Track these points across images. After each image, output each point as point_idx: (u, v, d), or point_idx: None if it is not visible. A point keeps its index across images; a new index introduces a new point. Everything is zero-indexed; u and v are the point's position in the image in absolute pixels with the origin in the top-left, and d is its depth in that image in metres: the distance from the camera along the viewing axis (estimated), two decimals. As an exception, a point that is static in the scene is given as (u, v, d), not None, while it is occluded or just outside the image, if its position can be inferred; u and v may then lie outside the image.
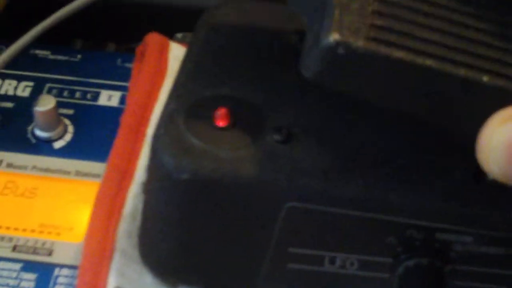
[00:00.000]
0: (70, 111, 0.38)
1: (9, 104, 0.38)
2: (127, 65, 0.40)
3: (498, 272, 0.29)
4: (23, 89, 0.39)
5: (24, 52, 0.37)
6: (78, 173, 0.35)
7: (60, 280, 0.31)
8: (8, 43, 0.36)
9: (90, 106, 0.38)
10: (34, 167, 0.35)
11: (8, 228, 0.33)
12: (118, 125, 0.36)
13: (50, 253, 0.32)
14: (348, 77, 0.24)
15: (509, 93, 0.23)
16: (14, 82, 0.39)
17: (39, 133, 0.36)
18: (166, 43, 0.39)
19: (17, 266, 0.31)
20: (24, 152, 0.36)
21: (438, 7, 0.24)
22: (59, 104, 0.37)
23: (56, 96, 0.38)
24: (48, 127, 0.36)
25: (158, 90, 0.37)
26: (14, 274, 0.31)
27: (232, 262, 0.29)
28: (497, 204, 0.27)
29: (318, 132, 0.28)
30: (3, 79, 0.39)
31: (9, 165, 0.35)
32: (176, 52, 0.38)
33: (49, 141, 0.36)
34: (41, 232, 0.33)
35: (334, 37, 0.23)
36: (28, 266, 0.31)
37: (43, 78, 0.39)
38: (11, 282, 0.31)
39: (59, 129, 0.36)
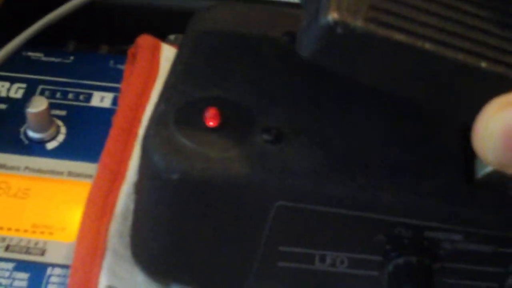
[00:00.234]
0: (62, 112, 0.38)
1: (1, 106, 0.38)
2: (120, 66, 0.40)
3: (487, 270, 0.29)
4: (16, 91, 0.39)
5: (17, 54, 0.37)
6: (71, 174, 0.35)
7: (53, 279, 0.31)
8: (0, 45, 0.37)
9: (82, 107, 0.38)
10: (26, 168, 0.35)
11: (1, 228, 0.33)
12: (110, 126, 0.36)
13: (42, 253, 0.32)
14: (346, 58, 0.24)
15: (507, 80, 0.23)
16: (7, 84, 0.39)
17: (31, 134, 0.36)
18: (158, 45, 0.39)
19: (10, 265, 0.32)
20: (17, 153, 0.36)
21: None
22: (52, 106, 0.37)
23: (48, 97, 0.38)
24: (40, 128, 0.36)
25: (150, 91, 0.37)
26: (7, 274, 0.31)
27: (223, 261, 0.29)
28: (486, 203, 0.27)
29: (308, 133, 0.28)
30: (-4, 81, 0.39)
31: (2, 166, 0.35)
32: (168, 54, 0.38)
33: (41, 142, 0.36)
34: (33, 232, 0.33)
35: (333, 16, 0.22)
36: (21, 265, 0.32)
37: (36, 79, 0.39)
38: (4, 282, 0.31)
39: (52, 130, 0.37)
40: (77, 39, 0.44)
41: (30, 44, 0.38)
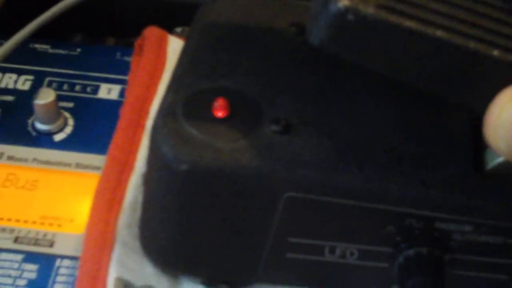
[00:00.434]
0: (70, 104, 0.38)
1: (9, 98, 0.38)
2: (126, 58, 0.40)
3: (498, 261, 0.29)
4: (23, 83, 0.39)
5: (24, 46, 0.37)
6: (79, 165, 0.35)
7: (62, 271, 0.31)
8: (7, 37, 0.37)
9: (90, 99, 0.38)
10: (34, 160, 0.35)
11: (9, 219, 0.33)
12: (117, 118, 0.36)
13: (51, 244, 0.32)
14: (356, 45, 0.24)
15: None
16: (14, 76, 0.39)
17: (39, 126, 0.36)
18: (165, 37, 0.39)
19: (19, 257, 0.32)
20: (25, 144, 0.36)
21: None
22: (59, 97, 0.37)
23: (56, 89, 0.38)
24: (48, 120, 0.36)
25: (157, 83, 0.37)
26: (16, 265, 0.31)
27: (232, 252, 0.29)
28: (496, 193, 0.27)
29: (316, 123, 0.28)
30: (3, 73, 0.39)
31: (10, 158, 0.35)
32: (175, 46, 0.38)
33: (49, 134, 0.36)
34: (42, 223, 0.33)
35: (344, 2, 0.22)
36: (30, 257, 0.32)
37: (43, 71, 0.39)
38: (13, 273, 0.31)
39: (59, 122, 0.37)
40: (83, 31, 0.44)
41: (37, 36, 0.38)
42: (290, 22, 0.31)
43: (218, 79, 0.29)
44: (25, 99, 0.38)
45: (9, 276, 0.31)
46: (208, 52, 0.30)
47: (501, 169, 0.27)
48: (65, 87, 0.39)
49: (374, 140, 0.28)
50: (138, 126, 0.35)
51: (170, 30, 0.41)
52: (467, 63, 0.23)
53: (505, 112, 0.21)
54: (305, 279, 0.30)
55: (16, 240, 0.32)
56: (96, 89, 0.39)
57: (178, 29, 0.42)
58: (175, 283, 0.30)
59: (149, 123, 0.35)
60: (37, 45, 0.41)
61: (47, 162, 0.35)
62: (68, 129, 0.37)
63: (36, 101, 0.36)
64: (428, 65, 0.24)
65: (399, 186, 0.27)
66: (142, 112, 0.35)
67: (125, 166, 0.33)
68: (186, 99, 0.28)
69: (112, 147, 0.34)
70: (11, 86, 0.39)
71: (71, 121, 0.37)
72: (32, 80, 0.39)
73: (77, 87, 0.39)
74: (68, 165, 0.35)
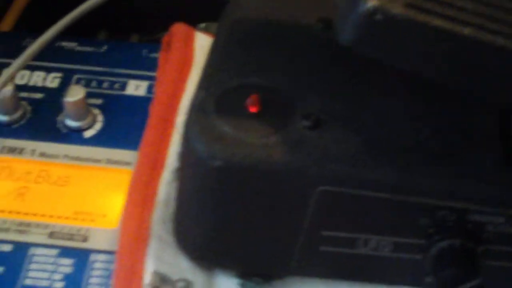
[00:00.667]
0: (98, 101, 0.38)
1: (38, 95, 0.38)
2: (152, 55, 0.40)
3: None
4: (52, 80, 0.39)
5: (51, 44, 0.37)
6: (109, 161, 0.36)
7: (97, 265, 0.32)
8: (35, 36, 0.37)
9: (118, 95, 0.39)
10: (65, 156, 0.36)
11: (43, 215, 0.33)
12: (146, 114, 0.36)
13: (85, 239, 0.33)
14: (385, 45, 0.24)
15: None
16: (42, 74, 0.39)
17: (69, 122, 0.37)
18: (192, 33, 0.39)
19: (54, 252, 0.32)
20: (55, 141, 0.36)
21: None
22: (88, 94, 0.37)
23: (84, 86, 0.38)
24: (78, 117, 0.37)
25: (185, 79, 0.37)
26: (51, 260, 0.32)
27: (266, 246, 0.29)
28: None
29: (345, 118, 0.28)
30: (32, 71, 0.40)
31: (41, 154, 0.36)
32: (202, 42, 0.39)
33: (79, 131, 0.37)
34: (75, 219, 0.33)
35: (372, 3, 0.23)
36: (65, 252, 0.32)
37: (71, 69, 0.40)
38: (49, 268, 0.32)
39: (89, 119, 0.37)
40: (108, 29, 0.45)
41: (63, 34, 0.38)
42: (317, 17, 0.32)
43: (248, 76, 0.29)
44: (53, 96, 0.38)
45: (45, 270, 0.31)
46: (237, 48, 0.31)
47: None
48: (93, 84, 0.39)
49: (404, 134, 0.28)
50: (168, 122, 0.35)
51: (193, 26, 0.41)
52: (496, 59, 0.24)
53: None
54: (337, 272, 0.30)
55: (51, 235, 0.33)
56: (123, 86, 0.39)
57: (202, 25, 0.42)
58: (210, 277, 0.31)
59: (178, 119, 0.35)
60: (64, 43, 0.41)
61: (78, 158, 0.36)
62: (98, 126, 0.37)
63: (66, 99, 0.36)
64: (456, 62, 0.24)
65: (431, 178, 0.27)
66: (171, 108, 0.36)
67: (157, 163, 0.33)
68: (218, 95, 0.28)
69: (143, 144, 0.34)
70: (40, 83, 0.39)
71: (100, 118, 0.37)
72: (60, 77, 0.39)
73: (105, 84, 0.39)
74: (98, 161, 0.36)
